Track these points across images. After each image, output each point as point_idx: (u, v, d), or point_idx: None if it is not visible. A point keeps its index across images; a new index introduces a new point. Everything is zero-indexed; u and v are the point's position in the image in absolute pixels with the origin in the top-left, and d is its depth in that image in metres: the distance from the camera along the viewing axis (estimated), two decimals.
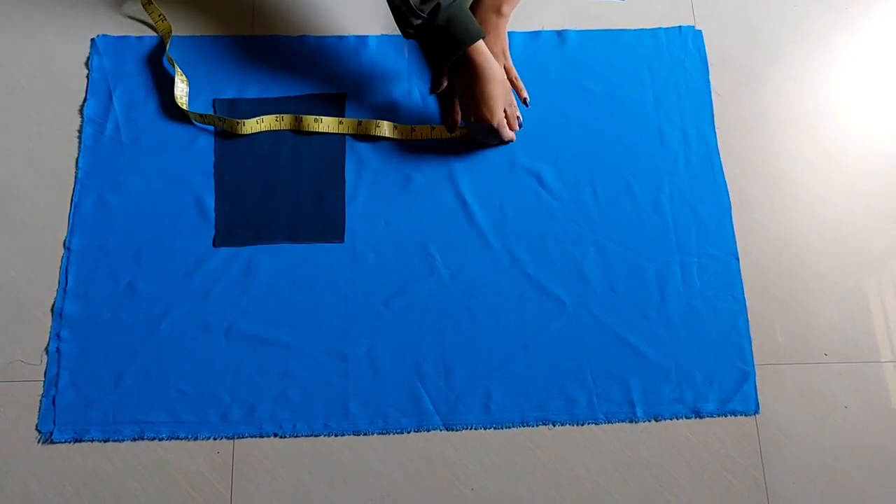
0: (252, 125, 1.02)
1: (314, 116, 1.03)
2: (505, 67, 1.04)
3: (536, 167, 1.04)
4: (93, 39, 1.08)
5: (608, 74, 1.09)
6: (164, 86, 1.05)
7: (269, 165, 1.02)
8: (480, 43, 0.95)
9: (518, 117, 1.03)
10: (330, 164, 1.03)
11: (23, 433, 0.90)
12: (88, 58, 1.07)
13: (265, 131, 1.03)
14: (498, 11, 1.03)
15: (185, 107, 1.03)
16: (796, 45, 1.13)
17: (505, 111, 0.99)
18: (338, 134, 1.04)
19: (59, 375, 0.92)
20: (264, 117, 1.03)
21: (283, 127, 1.03)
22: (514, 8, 1.05)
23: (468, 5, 0.95)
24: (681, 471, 0.91)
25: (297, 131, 1.03)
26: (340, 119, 1.03)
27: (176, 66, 1.04)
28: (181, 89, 1.03)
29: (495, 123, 0.97)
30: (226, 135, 1.03)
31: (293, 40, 1.09)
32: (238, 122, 1.01)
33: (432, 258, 0.99)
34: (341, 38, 1.10)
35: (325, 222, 1.00)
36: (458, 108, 1.04)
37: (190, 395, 0.92)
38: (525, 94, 1.05)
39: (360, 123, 1.03)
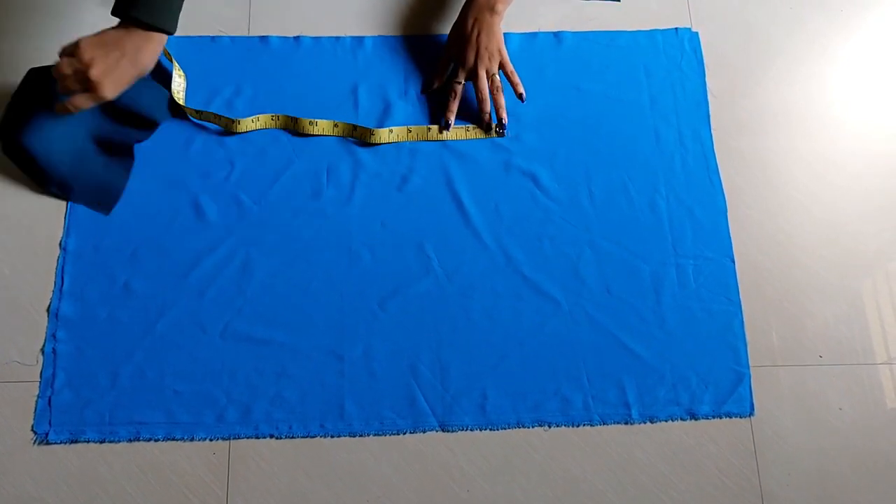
0: (247, 124, 1.02)
1: (310, 119, 1.03)
2: (501, 63, 1.04)
3: (532, 168, 1.04)
4: None
5: (605, 76, 1.09)
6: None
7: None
8: (154, 36, 0.88)
9: (502, 118, 1.04)
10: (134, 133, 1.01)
11: (18, 434, 0.90)
12: None
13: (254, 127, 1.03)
14: (492, 9, 1.03)
15: (181, 102, 1.03)
16: (792, 46, 1.13)
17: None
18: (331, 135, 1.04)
19: (55, 376, 0.92)
20: (260, 116, 1.03)
21: (278, 126, 1.03)
22: (509, 6, 1.05)
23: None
24: (676, 472, 0.92)
25: (294, 132, 1.04)
26: (335, 122, 1.03)
27: (174, 60, 1.04)
28: (178, 84, 1.03)
29: (57, 70, 0.87)
30: None
31: (289, 41, 1.09)
32: (234, 121, 1.01)
33: (428, 259, 0.99)
34: (337, 38, 1.09)
35: (102, 188, 0.99)
36: (452, 108, 1.04)
37: (186, 395, 0.92)
38: (521, 90, 1.05)
39: (355, 128, 1.03)
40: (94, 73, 0.86)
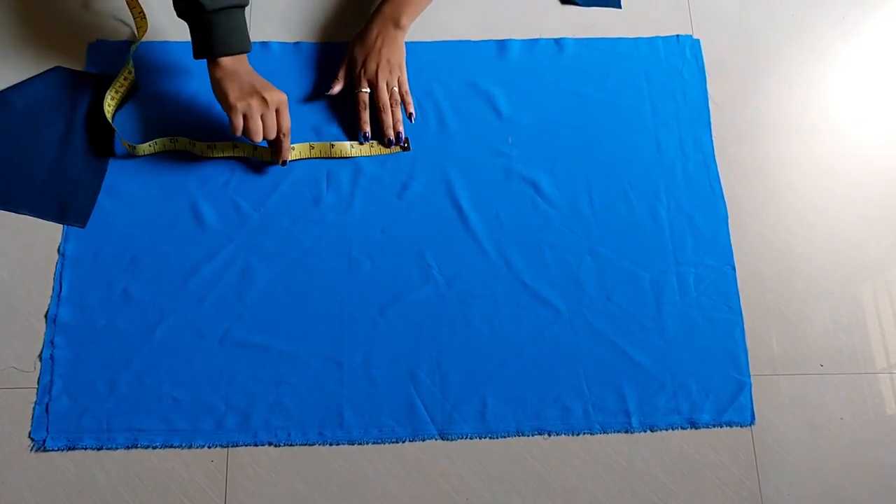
0: (144, 149, 1.00)
1: (208, 143, 1.01)
2: (399, 80, 1.04)
3: (533, 175, 1.03)
4: (89, 44, 1.07)
5: (605, 82, 1.09)
6: (160, 90, 1.05)
7: (40, 131, 1.02)
8: (230, 59, 0.93)
9: (399, 132, 1.03)
10: (101, 146, 1.02)
11: (15, 441, 0.90)
12: (85, 63, 1.06)
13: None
14: (396, 23, 1.03)
15: (110, 109, 1.01)
16: (793, 54, 1.13)
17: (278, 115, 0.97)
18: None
19: (53, 382, 0.91)
20: (157, 140, 1.01)
21: (177, 148, 1.02)
22: (414, 20, 1.05)
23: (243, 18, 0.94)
24: (676, 481, 0.91)
25: (186, 152, 1.02)
26: (234, 143, 1.02)
27: (130, 63, 1.03)
28: (121, 84, 1.02)
29: (231, 102, 0.94)
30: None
31: (289, 46, 1.09)
32: (133, 147, 1.00)
33: (428, 266, 0.99)
34: (339, 44, 1.09)
35: (72, 203, 0.99)
36: (365, 118, 1.03)
37: (184, 402, 0.92)
38: (411, 109, 1.04)
39: (255, 149, 1.02)
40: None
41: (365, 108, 1.03)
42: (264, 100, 0.94)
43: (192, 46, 0.93)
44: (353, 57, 1.05)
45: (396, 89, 1.04)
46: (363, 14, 1.09)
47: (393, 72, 1.03)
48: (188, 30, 0.93)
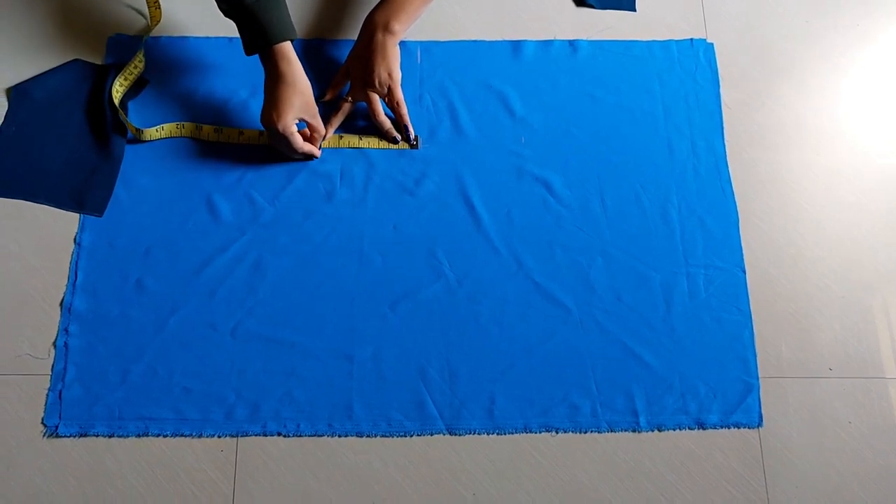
0: (151, 133, 1.02)
1: (214, 126, 1.03)
2: (390, 89, 1.02)
3: (545, 175, 1.04)
4: (109, 38, 1.09)
5: (619, 85, 1.10)
6: (177, 84, 1.06)
7: (58, 123, 1.03)
8: (286, 45, 0.93)
9: (408, 132, 1.04)
10: (117, 136, 1.03)
11: (28, 426, 0.90)
12: (105, 56, 1.08)
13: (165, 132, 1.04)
14: (386, 28, 0.99)
15: (118, 96, 1.02)
16: (807, 60, 1.13)
17: (308, 124, 0.99)
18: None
19: (66, 370, 0.92)
20: (164, 125, 1.03)
21: (183, 135, 1.04)
22: (408, 26, 1.02)
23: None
24: (683, 482, 0.91)
25: (197, 138, 1.04)
26: (241, 130, 1.04)
27: (141, 52, 1.05)
28: (130, 72, 1.04)
29: (280, 128, 0.94)
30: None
31: (307, 43, 1.10)
32: (140, 130, 1.01)
33: (439, 263, 0.99)
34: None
35: (89, 193, 1.00)
36: (332, 122, 1.04)
37: (195, 392, 0.92)
38: (406, 121, 1.04)
39: (260, 135, 1.03)
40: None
41: (336, 114, 1.04)
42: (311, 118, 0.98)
43: (242, 43, 0.94)
44: (348, 65, 1.05)
45: (395, 93, 1.02)
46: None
47: (382, 84, 1.01)
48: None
